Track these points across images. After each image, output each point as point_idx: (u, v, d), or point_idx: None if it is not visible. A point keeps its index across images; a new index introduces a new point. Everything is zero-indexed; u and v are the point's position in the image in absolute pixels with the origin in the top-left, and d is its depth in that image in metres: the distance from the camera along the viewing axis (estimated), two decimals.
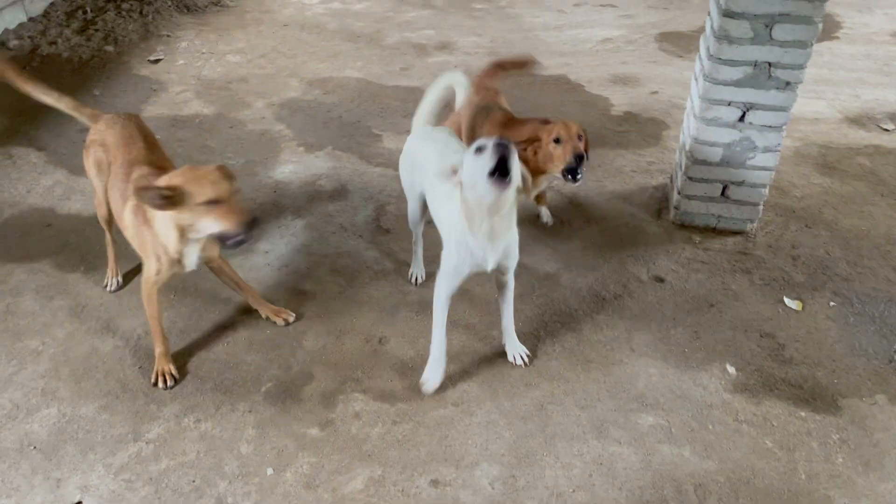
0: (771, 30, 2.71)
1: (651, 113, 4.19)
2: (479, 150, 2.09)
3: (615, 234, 3.24)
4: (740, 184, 3.09)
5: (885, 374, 2.54)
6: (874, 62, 4.83)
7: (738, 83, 2.85)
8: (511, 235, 2.36)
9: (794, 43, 2.72)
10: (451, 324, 2.74)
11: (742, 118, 2.93)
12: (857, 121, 4.12)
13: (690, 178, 3.12)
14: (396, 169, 3.64)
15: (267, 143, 3.87)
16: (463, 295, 2.84)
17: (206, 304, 2.82)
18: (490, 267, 2.34)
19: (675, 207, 3.25)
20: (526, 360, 2.61)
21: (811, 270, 3.03)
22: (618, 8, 5.61)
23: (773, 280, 2.98)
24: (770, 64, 2.78)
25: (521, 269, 3.00)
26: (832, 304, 2.86)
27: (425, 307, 2.81)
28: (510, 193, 2.15)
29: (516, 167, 2.11)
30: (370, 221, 3.30)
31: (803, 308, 2.84)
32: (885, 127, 4.06)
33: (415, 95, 4.31)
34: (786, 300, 2.87)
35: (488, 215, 2.18)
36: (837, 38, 5.15)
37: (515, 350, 2.63)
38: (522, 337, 2.68)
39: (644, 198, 3.46)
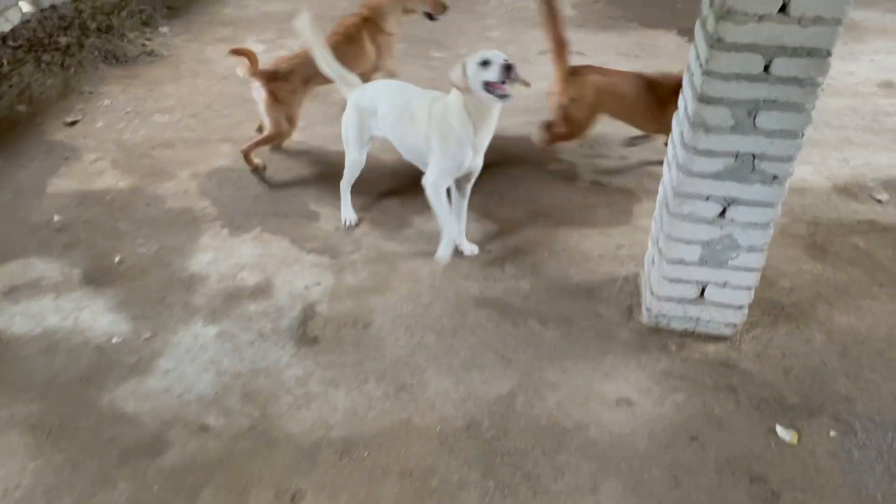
0: (755, 118, 2.31)
1: (620, 182, 3.78)
2: (485, 63, 2.70)
3: (580, 339, 2.80)
4: (722, 285, 2.67)
5: None
6: (861, 118, 4.47)
7: (717, 176, 2.43)
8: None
9: (782, 133, 2.32)
10: (382, 472, 2.29)
11: (723, 214, 2.51)
12: (848, 190, 3.74)
13: (664, 278, 2.70)
14: (333, 256, 3.22)
15: (186, 224, 3.39)
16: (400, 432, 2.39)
17: (83, 450, 2.33)
18: (474, 161, 2.99)
19: (648, 309, 2.82)
20: (476, 251, 3.25)
21: (806, 387, 2.60)
22: (585, 56, 5.20)
23: (763, 401, 2.54)
24: (754, 155, 2.37)
25: (468, 392, 2.56)
26: (832, 433, 2.43)
27: (351, 445, 2.35)
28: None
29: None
30: (295, 327, 2.83)
31: (799, 440, 2.41)
32: (878, 198, 3.68)
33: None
34: (778, 430, 2.44)
35: (485, 117, 2.85)
36: (821, 90, 4.78)
37: (470, 248, 3.25)
38: (467, 487, 2.23)
39: (613, 292, 3.03)
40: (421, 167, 3.12)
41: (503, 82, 2.70)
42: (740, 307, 2.73)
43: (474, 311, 2.93)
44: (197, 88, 4.61)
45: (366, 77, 3.86)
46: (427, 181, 3.02)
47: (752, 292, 2.69)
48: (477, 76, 2.71)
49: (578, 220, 3.49)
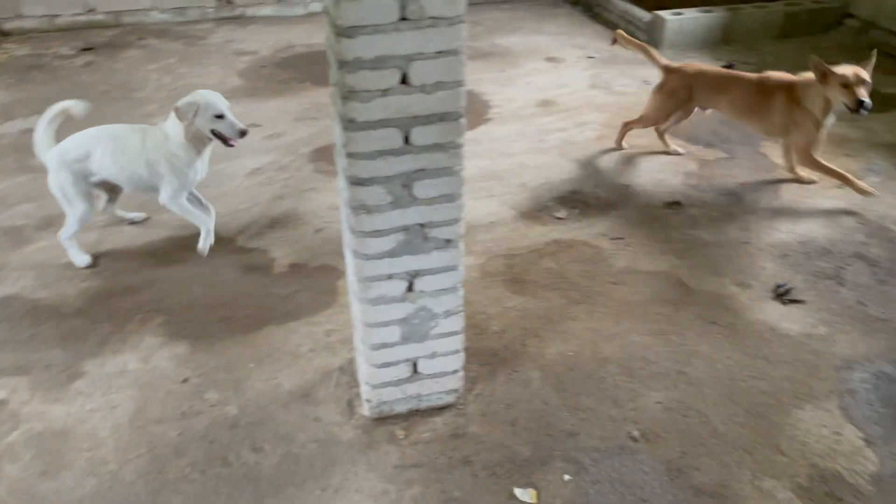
0: (410, 189, 2.20)
1: (320, 259, 3.57)
2: (219, 117, 3.23)
3: (302, 458, 2.50)
4: (431, 357, 2.55)
5: None
6: (529, 140, 4.78)
7: (392, 253, 2.30)
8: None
9: (442, 198, 2.24)
10: None
11: (410, 288, 2.39)
12: (532, 215, 3.92)
13: (373, 366, 2.51)
14: None
15: None
16: None
17: None
18: (199, 177, 3.48)
19: (368, 400, 2.61)
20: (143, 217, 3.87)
21: (534, 435, 2.57)
22: (263, 127, 4.95)
23: (497, 465, 2.46)
24: (422, 225, 2.28)
25: None
26: (566, 477, 2.41)
27: None
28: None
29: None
30: None
31: (539, 496, 2.35)
32: (558, 216, 3.90)
33: (8, 310, 3.21)
34: (517, 493, 2.36)
35: (206, 145, 3.35)
36: (490, 119, 5.07)
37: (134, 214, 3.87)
38: None
39: (330, 388, 2.78)
40: (145, 193, 3.51)
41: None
42: (455, 371, 2.63)
43: (175, 462, 2.48)
44: None
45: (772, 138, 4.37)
46: (165, 200, 3.40)
47: (463, 354, 2.61)
48: (209, 123, 3.22)
49: (281, 313, 3.19)
